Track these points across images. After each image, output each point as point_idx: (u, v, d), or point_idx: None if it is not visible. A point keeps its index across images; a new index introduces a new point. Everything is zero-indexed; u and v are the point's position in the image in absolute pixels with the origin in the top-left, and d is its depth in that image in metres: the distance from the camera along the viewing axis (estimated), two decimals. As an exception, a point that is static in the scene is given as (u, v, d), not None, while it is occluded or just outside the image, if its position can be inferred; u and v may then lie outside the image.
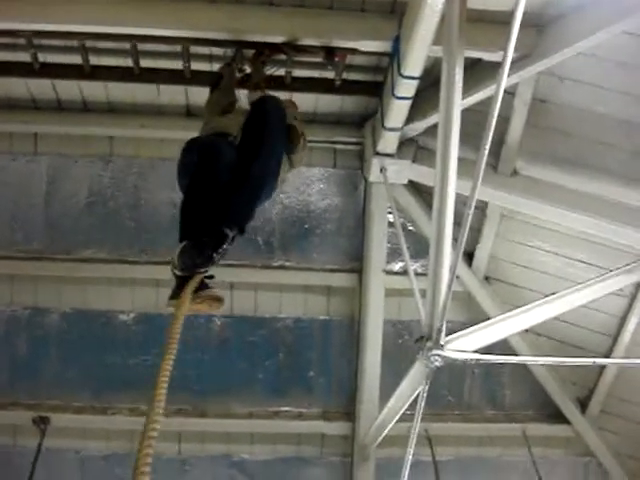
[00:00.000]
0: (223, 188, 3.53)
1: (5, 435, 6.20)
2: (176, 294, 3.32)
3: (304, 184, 6.11)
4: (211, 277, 3.49)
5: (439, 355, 4.01)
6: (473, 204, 3.41)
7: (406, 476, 4.69)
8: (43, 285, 6.13)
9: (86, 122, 5.67)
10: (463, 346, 4.31)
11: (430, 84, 4.92)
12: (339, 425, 6.52)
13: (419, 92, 4.81)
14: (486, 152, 3.17)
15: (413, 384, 4.58)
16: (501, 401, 6.75)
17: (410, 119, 5.28)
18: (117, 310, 6.21)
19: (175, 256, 3.32)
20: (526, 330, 6.13)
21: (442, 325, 4.00)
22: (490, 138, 3.06)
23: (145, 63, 5.14)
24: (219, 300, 3.51)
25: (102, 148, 5.87)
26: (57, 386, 6.19)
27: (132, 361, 6.19)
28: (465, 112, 4.10)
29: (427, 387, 4.28)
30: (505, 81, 2.95)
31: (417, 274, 5.21)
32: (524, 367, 6.59)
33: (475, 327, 4.52)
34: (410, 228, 6.15)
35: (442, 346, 4.01)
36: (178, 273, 3.36)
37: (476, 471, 6.71)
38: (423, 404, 4.37)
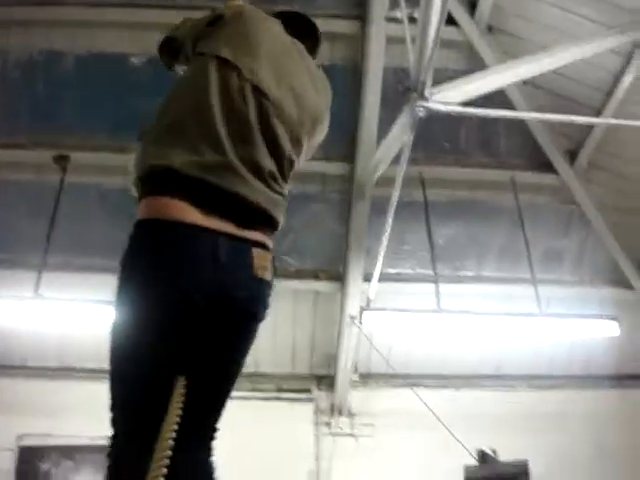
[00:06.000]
0: None
1: (28, 172, 6.55)
2: None
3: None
4: None
5: (423, 106, 4.25)
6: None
7: (392, 213, 5.14)
8: (57, 29, 6.16)
9: None
10: (452, 97, 4.55)
11: None
12: (339, 165, 6.84)
13: None
14: None
15: (401, 132, 4.86)
16: (495, 148, 7.01)
17: None
18: (129, 53, 6.28)
19: None
20: (524, 82, 6.29)
21: (427, 76, 4.19)
22: None
23: None
24: None
25: None
26: (75, 126, 6.41)
27: (145, 103, 6.40)
28: None
29: (412, 136, 4.56)
30: None
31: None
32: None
33: (465, 79, 4.74)
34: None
35: (427, 98, 4.24)
36: None
37: (465, 213, 7.15)
38: (409, 153, 4.67)
